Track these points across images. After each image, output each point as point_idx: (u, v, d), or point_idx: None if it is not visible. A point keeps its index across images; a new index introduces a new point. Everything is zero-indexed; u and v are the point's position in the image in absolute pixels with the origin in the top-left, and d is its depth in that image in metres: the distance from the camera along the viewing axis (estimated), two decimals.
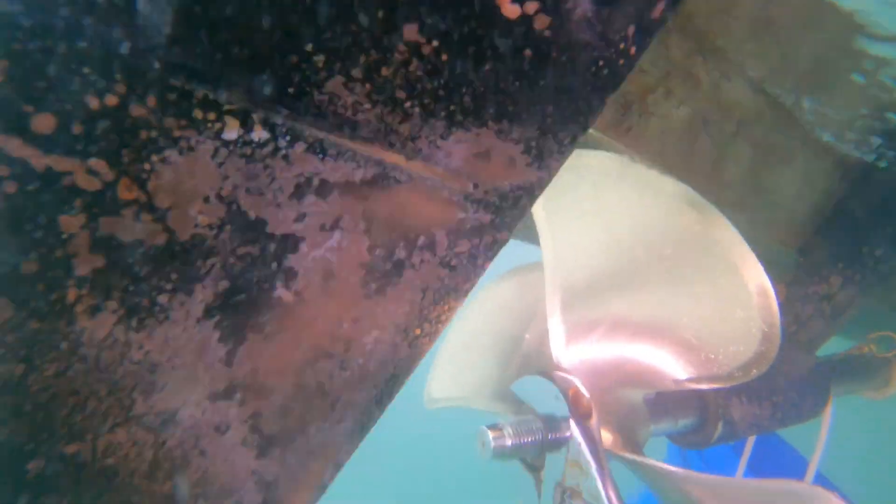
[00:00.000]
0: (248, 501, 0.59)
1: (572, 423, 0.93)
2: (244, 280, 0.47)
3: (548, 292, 0.91)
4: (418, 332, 0.54)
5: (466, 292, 0.54)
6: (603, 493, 0.86)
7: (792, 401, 1.25)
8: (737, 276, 0.91)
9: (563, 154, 0.50)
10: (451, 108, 0.44)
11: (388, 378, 0.56)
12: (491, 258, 0.53)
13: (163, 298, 0.46)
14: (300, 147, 0.43)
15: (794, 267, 1.10)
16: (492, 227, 0.51)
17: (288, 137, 0.43)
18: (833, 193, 1.06)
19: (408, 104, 0.43)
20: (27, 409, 0.46)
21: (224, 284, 0.47)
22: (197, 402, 0.52)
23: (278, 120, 0.42)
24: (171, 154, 0.41)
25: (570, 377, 0.96)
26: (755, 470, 1.60)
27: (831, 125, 0.97)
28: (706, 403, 1.14)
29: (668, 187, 0.87)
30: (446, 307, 0.54)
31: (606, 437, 0.98)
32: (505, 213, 0.51)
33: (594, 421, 0.94)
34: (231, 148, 0.42)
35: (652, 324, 1.01)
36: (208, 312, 0.47)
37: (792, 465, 1.79)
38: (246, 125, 0.41)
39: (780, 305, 0.90)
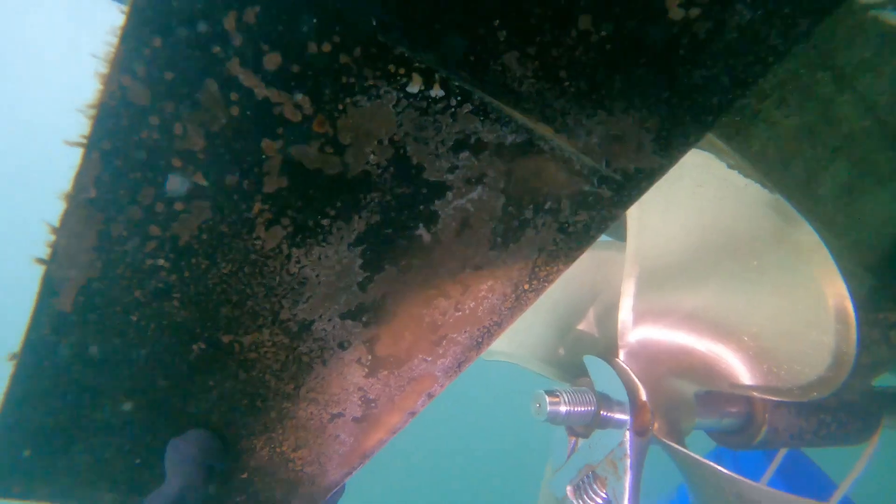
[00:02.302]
0: (349, 412, 0.67)
1: (628, 433, 0.98)
2: (394, 217, 0.54)
3: (625, 275, 0.96)
4: (527, 287, 0.61)
5: (574, 258, 0.60)
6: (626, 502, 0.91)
7: (840, 421, 1.27)
8: (819, 295, 0.92)
9: (687, 147, 0.55)
10: (603, 92, 0.50)
11: (491, 325, 0.63)
12: (602, 231, 0.59)
13: (325, 222, 0.53)
14: (467, 108, 0.50)
15: (868, 290, 1.11)
16: (610, 203, 0.57)
17: (459, 98, 0.49)
18: None
19: (567, 83, 0.49)
20: (202, 299, 0.55)
21: (376, 218, 0.54)
22: (330, 318, 0.60)
23: (456, 82, 0.48)
24: (362, 99, 0.48)
25: (639, 384, 0.99)
26: (782, 480, 1.62)
27: None
28: (753, 407, 1.18)
29: (765, 198, 0.90)
30: (555, 269, 0.60)
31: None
32: (624, 193, 0.56)
33: (647, 439, 0.98)
34: (411, 100, 0.48)
35: (721, 325, 1.04)
36: (358, 240, 0.55)
37: (817, 486, 1.80)
38: (427, 83, 0.48)
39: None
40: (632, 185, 0.56)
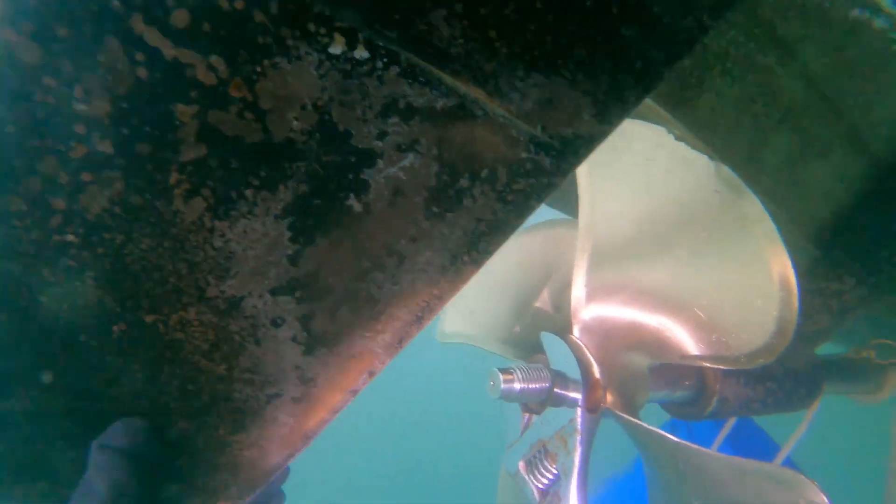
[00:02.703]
0: (288, 393, 0.65)
1: (579, 409, 0.97)
2: (322, 186, 0.52)
3: (578, 249, 0.96)
4: (466, 258, 0.59)
5: (514, 228, 0.59)
6: (574, 482, 0.90)
7: (785, 389, 1.31)
8: (764, 265, 0.94)
9: (626, 112, 0.54)
10: (535, 53, 0.48)
11: (431, 298, 0.61)
12: (541, 200, 0.58)
13: (249, 192, 0.51)
14: (394, 70, 0.47)
15: (810, 260, 1.13)
16: (549, 171, 0.56)
17: (385, 60, 0.47)
18: (863, 195, 1.08)
19: (497, 44, 0.47)
20: (120, 277, 0.52)
21: (304, 188, 0.52)
22: (260, 294, 0.57)
23: (380, 42, 0.46)
24: (281, 61, 0.45)
25: (593, 361, 0.99)
26: (731, 447, 1.68)
27: (876, 125, 1.00)
28: (704, 379, 1.20)
29: (713, 170, 0.91)
30: (494, 239, 0.59)
31: (607, 396, 1.04)
32: (563, 160, 0.55)
33: (597, 416, 0.98)
34: (333, 62, 0.46)
35: (671, 298, 1.05)
36: (286, 211, 0.52)
37: (764, 449, 1.86)
38: (351, 43, 0.45)
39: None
40: (570, 151, 0.55)
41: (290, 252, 0.55)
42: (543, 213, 1.37)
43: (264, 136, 0.48)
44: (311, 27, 0.44)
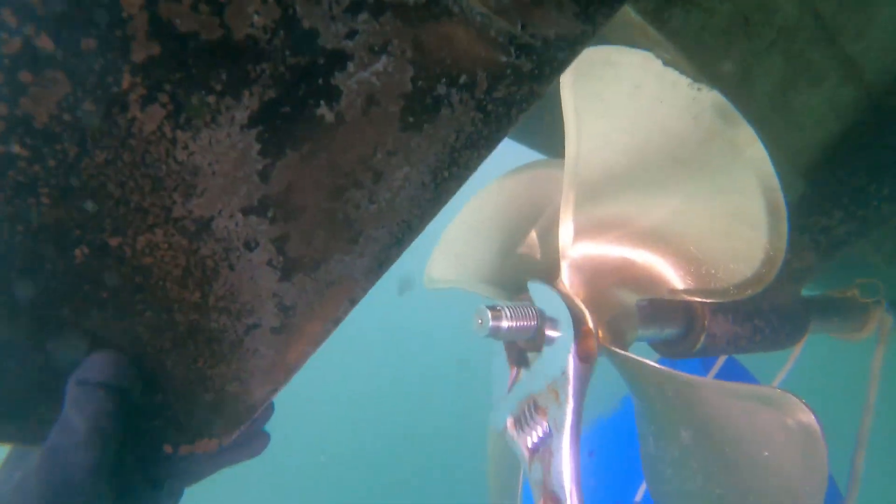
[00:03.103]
0: (266, 323, 0.63)
1: (571, 358, 0.94)
2: (290, 92, 0.48)
3: (565, 184, 0.93)
4: (447, 174, 0.57)
5: (496, 141, 0.56)
6: (567, 435, 0.88)
7: (773, 327, 1.31)
8: (755, 195, 0.92)
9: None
10: None
11: (411, 218, 0.59)
12: (524, 110, 0.55)
13: (211, 99, 0.47)
14: None
15: (799, 195, 1.12)
16: (531, 77, 0.52)
17: None
18: (853, 126, 1.06)
19: None
20: (77, 194, 0.49)
21: (270, 94, 0.48)
22: (231, 214, 0.55)
23: None
24: None
25: (585, 309, 0.95)
26: None
27: (869, 52, 0.97)
28: (693, 316, 1.20)
29: (703, 96, 0.87)
30: (475, 153, 0.56)
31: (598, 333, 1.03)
32: (545, 64, 0.52)
33: (590, 365, 0.95)
34: None
35: (660, 231, 1.04)
36: (252, 121, 0.49)
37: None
38: None
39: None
40: (552, 54, 0.51)
41: (259, 167, 0.52)
42: (530, 155, 1.33)
43: (223, 32, 0.44)
44: None
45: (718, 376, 1.66)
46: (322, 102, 0.49)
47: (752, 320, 1.27)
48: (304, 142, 0.52)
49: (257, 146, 0.51)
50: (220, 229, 0.55)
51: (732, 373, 1.80)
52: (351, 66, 0.48)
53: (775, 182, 0.87)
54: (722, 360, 1.68)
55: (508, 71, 0.51)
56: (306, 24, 0.45)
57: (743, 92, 0.90)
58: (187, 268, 0.56)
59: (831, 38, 0.91)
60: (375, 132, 0.52)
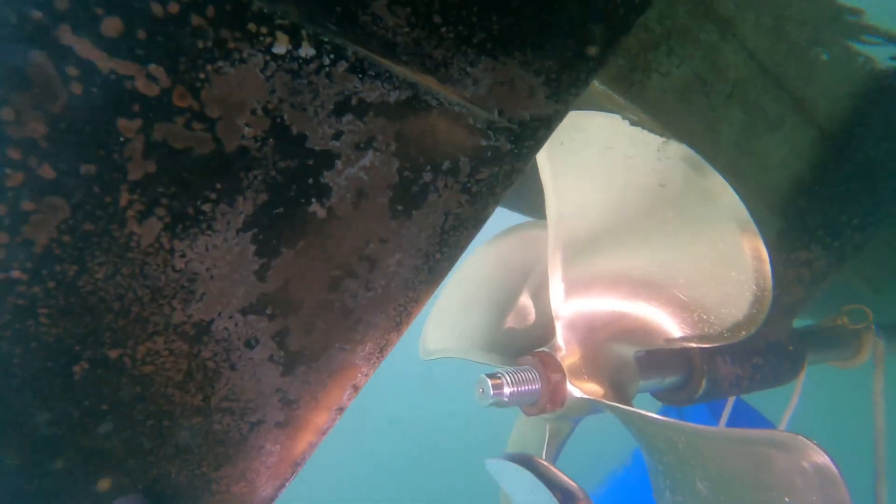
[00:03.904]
0: (270, 418, 0.62)
1: None
2: (282, 194, 0.50)
3: (550, 247, 0.96)
4: (438, 256, 0.58)
5: (484, 219, 0.58)
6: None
7: (771, 363, 1.32)
8: (734, 239, 0.95)
9: (579, 89, 0.54)
10: (482, 35, 0.48)
11: (408, 301, 0.60)
12: (508, 187, 0.57)
13: (207, 207, 0.49)
14: (342, 66, 0.46)
15: (777, 232, 1.16)
16: (511, 156, 0.55)
17: (332, 56, 0.46)
18: (816, 162, 1.11)
19: (443, 30, 0.47)
20: (77, 310, 0.49)
21: (263, 197, 0.50)
22: (230, 315, 0.55)
23: (325, 37, 0.45)
24: (224, 65, 0.44)
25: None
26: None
27: (818, 95, 1.03)
28: (692, 362, 1.20)
29: (672, 150, 0.92)
30: (465, 232, 0.58)
31: (598, 389, 1.03)
32: (524, 143, 0.55)
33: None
34: (279, 62, 0.45)
35: (649, 283, 1.06)
36: (247, 224, 0.51)
37: (761, 428, 1.87)
38: (295, 41, 0.44)
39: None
40: (529, 134, 0.54)
41: (256, 267, 0.53)
42: (514, 218, 1.37)
43: (216, 146, 0.46)
44: (252, 27, 0.43)
45: (730, 421, 1.65)
46: (313, 200, 0.51)
47: (751, 359, 1.27)
48: (298, 239, 0.53)
49: (253, 247, 0.52)
50: (219, 331, 0.55)
51: (743, 415, 1.78)
52: (339, 164, 0.50)
53: (752, 225, 0.91)
54: (731, 403, 1.67)
55: (489, 153, 0.54)
56: (295, 130, 0.48)
57: (709, 143, 0.94)
58: (188, 372, 0.56)
59: (780, 86, 0.97)
60: (367, 223, 0.54)
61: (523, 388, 0.99)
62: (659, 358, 1.15)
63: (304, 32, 0.44)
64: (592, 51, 0.52)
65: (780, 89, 0.99)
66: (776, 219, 1.17)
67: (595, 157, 0.99)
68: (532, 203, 1.29)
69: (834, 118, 1.11)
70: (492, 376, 0.96)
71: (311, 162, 0.50)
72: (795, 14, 0.86)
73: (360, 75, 0.47)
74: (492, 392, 0.95)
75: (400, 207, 0.54)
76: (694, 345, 1.02)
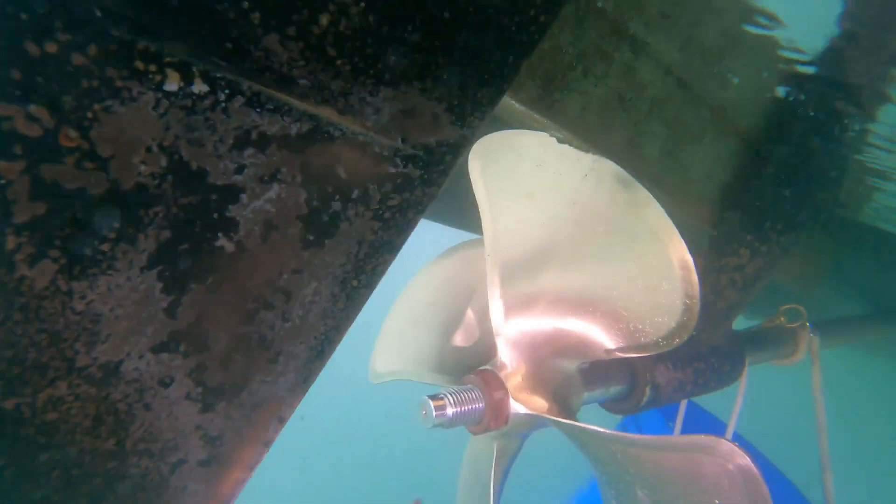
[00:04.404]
0: (192, 457, 0.61)
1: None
2: (187, 230, 0.49)
3: (488, 267, 0.97)
4: (356, 283, 0.58)
5: (399, 245, 0.59)
6: None
7: (713, 367, 1.35)
8: (662, 250, 0.98)
9: (484, 114, 0.56)
10: (379, 66, 0.49)
11: (328, 330, 0.60)
12: (421, 212, 0.58)
13: (106, 247, 0.48)
14: (239, 101, 0.46)
15: (708, 240, 1.20)
16: (421, 182, 0.56)
17: (227, 91, 0.46)
18: (739, 171, 1.16)
19: (339, 62, 0.47)
20: None
21: (167, 234, 0.49)
22: (140, 355, 0.54)
23: (217, 73, 0.45)
24: (114, 104, 0.43)
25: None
26: (682, 433, 1.72)
27: (736, 105, 1.08)
28: (635, 371, 1.23)
29: (599, 166, 0.95)
30: (381, 259, 0.58)
31: (542, 404, 1.04)
32: (432, 169, 0.56)
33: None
34: (172, 100, 0.44)
35: (586, 297, 1.08)
36: (152, 261, 0.50)
37: (715, 431, 1.92)
38: (186, 78, 0.44)
39: (700, 277, 0.99)
40: (437, 159, 0.55)
41: (165, 304, 0.52)
42: (460, 235, 1.38)
43: (111, 184, 0.45)
44: (140, 65, 0.42)
45: (684, 424, 1.68)
46: (220, 235, 0.51)
47: (693, 364, 1.31)
48: (207, 274, 0.52)
49: (160, 285, 0.51)
50: (130, 371, 0.54)
51: (696, 419, 1.83)
52: (244, 198, 0.50)
53: (677, 236, 0.94)
54: (683, 407, 1.70)
55: (399, 180, 0.55)
56: (194, 165, 0.47)
57: (634, 158, 0.98)
58: (98, 416, 0.54)
59: (699, 100, 1.02)
60: (278, 255, 0.53)
61: (466, 408, 0.99)
62: (602, 369, 1.17)
63: (195, 69, 0.44)
64: (493, 76, 0.53)
65: (699, 103, 1.03)
66: (707, 227, 1.21)
67: (527, 175, 1.01)
68: (475, 219, 1.30)
69: (751, 128, 1.16)
70: (434, 397, 0.96)
71: (214, 197, 0.49)
72: (705, 31, 0.90)
73: (259, 109, 0.47)
74: (434, 413, 0.95)
75: (311, 237, 0.54)
76: (633, 354, 1.05)
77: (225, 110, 0.46)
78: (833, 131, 1.16)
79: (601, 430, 0.86)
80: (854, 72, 0.99)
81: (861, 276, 2.01)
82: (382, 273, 0.59)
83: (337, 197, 0.53)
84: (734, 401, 1.62)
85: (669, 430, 1.78)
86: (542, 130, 0.91)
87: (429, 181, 0.56)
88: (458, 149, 0.56)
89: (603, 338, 1.07)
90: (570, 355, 1.11)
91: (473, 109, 0.54)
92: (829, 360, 1.71)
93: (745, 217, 1.21)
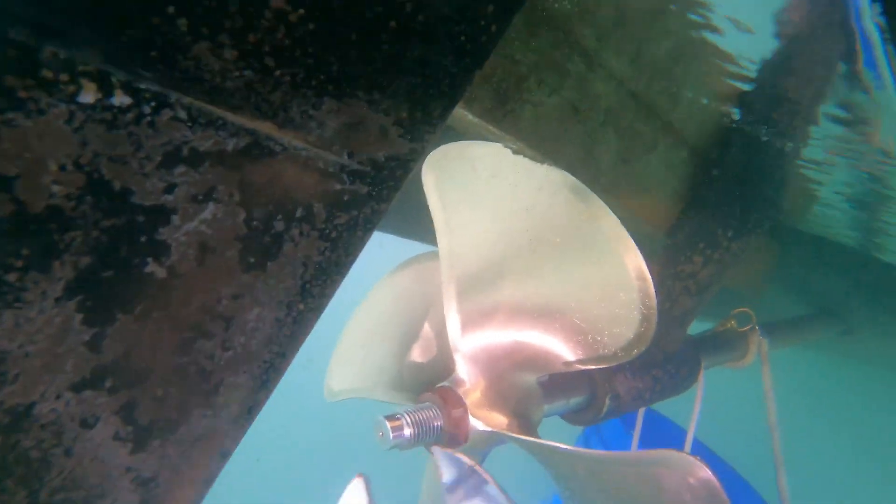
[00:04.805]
0: (124, 502, 0.55)
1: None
2: (110, 255, 0.45)
3: (444, 283, 0.94)
4: (302, 307, 0.54)
5: (348, 264, 0.55)
6: None
7: (669, 373, 1.37)
8: (619, 261, 0.98)
9: (435, 127, 0.53)
10: (321, 77, 0.46)
11: (273, 357, 0.56)
12: (370, 230, 0.55)
13: (12, 277, 0.43)
14: (167, 114, 0.42)
15: (662, 247, 1.21)
16: (369, 198, 0.53)
17: (153, 104, 0.42)
18: (690, 180, 1.18)
19: (277, 72, 0.44)
20: None
21: (87, 260, 0.44)
22: (58, 395, 0.48)
23: (141, 85, 0.41)
24: (17, 117, 0.38)
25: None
26: (646, 444, 1.73)
27: (685, 118, 1.09)
28: (594, 382, 1.22)
29: (554, 176, 0.94)
30: (329, 280, 0.54)
31: (502, 420, 1.02)
32: (381, 184, 0.53)
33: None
34: (88, 113, 0.40)
35: (543, 309, 1.06)
36: (69, 291, 0.45)
37: (675, 437, 1.95)
38: (104, 89, 0.40)
39: (656, 286, 0.99)
40: (386, 174, 0.52)
41: (86, 338, 0.47)
42: (417, 247, 1.34)
43: (17, 207, 0.41)
44: (49, 74, 0.38)
45: (643, 431, 1.69)
46: (149, 260, 0.46)
47: (651, 371, 1.31)
48: (136, 302, 0.48)
49: (79, 316, 0.46)
50: (45, 414, 0.48)
51: (655, 426, 1.84)
52: (176, 219, 0.46)
53: (633, 246, 0.94)
54: (641, 415, 1.71)
55: (346, 197, 0.51)
56: (117, 185, 0.43)
57: (589, 168, 0.97)
58: (3, 467, 0.48)
59: (650, 111, 1.03)
60: (215, 279, 0.49)
61: (424, 427, 0.96)
62: (562, 381, 1.16)
63: (114, 80, 0.40)
64: (444, 87, 0.51)
65: (651, 114, 1.04)
66: (660, 234, 1.22)
67: (482, 187, 0.99)
68: (429, 230, 1.28)
69: (700, 138, 1.18)
70: (391, 418, 0.92)
71: (141, 219, 0.45)
72: (653, 46, 0.91)
73: (190, 123, 0.43)
74: (392, 435, 0.91)
75: (252, 260, 0.50)
76: (592, 366, 1.04)
77: (151, 124, 0.42)
78: (773, 144, 1.19)
79: (561, 446, 0.85)
80: (790, 89, 1.02)
81: (803, 279, 2.09)
82: (331, 295, 0.56)
83: (279, 216, 0.50)
84: (691, 405, 1.65)
85: (627, 436, 1.79)
86: (498, 140, 0.90)
87: (378, 197, 0.53)
88: (409, 163, 0.53)
89: (562, 350, 1.06)
90: (530, 368, 1.10)
91: (424, 122, 0.51)
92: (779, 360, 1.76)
93: (697, 224, 1.23)
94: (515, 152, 0.93)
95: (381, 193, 0.53)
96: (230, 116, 0.44)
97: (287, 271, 0.52)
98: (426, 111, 0.51)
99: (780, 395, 1.71)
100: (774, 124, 1.11)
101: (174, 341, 0.51)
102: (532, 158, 0.92)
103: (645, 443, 1.77)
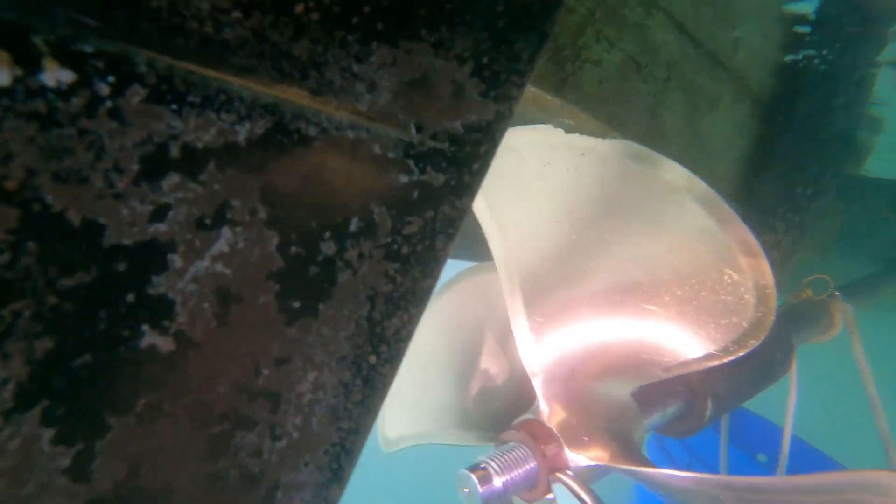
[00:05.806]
0: None
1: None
2: (83, 330, 0.29)
3: (507, 297, 0.78)
4: (374, 359, 0.38)
5: (429, 290, 0.39)
6: None
7: (765, 359, 1.19)
8: (717, 237, 0.80)
9: (524, 77, 0.37)
10: (366, 10, 0.30)
11: (343, 436, 0.39)
12: (453, 237, 0.38)
13: None
14: (137, 94, 0.26)
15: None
16: (448, 191, 0.37)
17: (111, 78, 0.26)
18: (759, 138, 1.02)
19: (299, 7, 0.28)
20: None
21: (46, 345, 0.28)
22: None
23: (86, 47, 0.25)
24: None
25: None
26: (738, 446, 1.54)
27: (747, 63, 0.94)
28: (690, 383, 1.05)
29: (617, 148, 0.77)
30: (406, 317, 0.38)
31: (601, 450, 0.84)
32: (463, 169, 0.37)
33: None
34: (6, 103, 0.24)
35: (628, 306, 0.89)
36: (26, 399, 0.28)
37: (765, 432, 1.75)
38: (28, 60, 0.24)
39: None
40: (469, 153, 0.36)
41: (66, 462, 0.31)
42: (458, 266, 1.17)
43: None
44: None
45: (732, 435, 1.50)
46: (145, 328, 0.30)
47: (747, 361, 1.14)
48: (134, 396, 0.31)
49: (48, 433, 0.29)
50: None
51: (740, 422, 1.65)
52: (176, 260, 0.30)
53: (731, 214, 0.77)
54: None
55: (416, 193, 0.35)
56: (75, 219, 0.27)
57: (655, 134, 0.81)
58: None
59: (714, 59, 0.87)
60: (248, 340, 0.33)
61: (517, 473, 0.79)
62: (654, 388, 0.99)
63: (39, 42, 0.24)
64: (535, 8, 0.35)
65: (714, 63, 0.88)
66: (737, 204, 1.06)
67: (533, 178, 0.83)
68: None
69: (765, 86, 1.02)
70: (474, 468, 0.75)
71: (122, 267, 0.29)
72: None
73: (175, 105, 0.27)
74: (480, 489, 0.74)
75: (297, 304, 0.34)
76: (696, 368, 0.87)
77: (114, 113, 0.26)
78: (850, 78, 1.03)
79: (699, 475, 0.67)
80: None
81: (870, 232, 1.92)
82: (410, 335, 0.39)
83: (327, 234, 0.33)
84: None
85: (715, 436, 1.60)
86: (548, 119, 0.74)
87: (458, 188, 0.37)
88: (494, 134, 0.37)
89: (658, 352, 0.89)
90: (620, 378, 0.92)
91: (511, 70, 0.35)
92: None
93: (774, 187, 1.06)
94: (570, 130, 0.77)
95: (462, 182, 0.37)
96: (236, 85, 0.28)
97: (347, 313, 0.35)
98: (512, 54, 0.35)
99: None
100: (849, 54, 0.95)
101: (201, 442, 0.34)
102: (592, 133, 0.76)
103: (736, 443, 1.57)
